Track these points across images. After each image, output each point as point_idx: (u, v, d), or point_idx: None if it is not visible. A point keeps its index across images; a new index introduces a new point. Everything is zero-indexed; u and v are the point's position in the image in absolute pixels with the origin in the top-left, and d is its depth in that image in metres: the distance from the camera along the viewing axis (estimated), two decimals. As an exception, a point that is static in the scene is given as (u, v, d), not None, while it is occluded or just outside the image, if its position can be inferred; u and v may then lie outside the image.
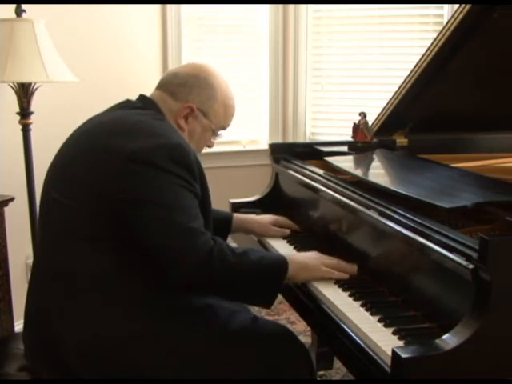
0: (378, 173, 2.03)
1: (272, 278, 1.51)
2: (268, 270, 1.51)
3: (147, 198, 1.41)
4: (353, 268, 1.62)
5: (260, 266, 1.49)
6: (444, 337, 1.17)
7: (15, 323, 2.40)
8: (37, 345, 1.48)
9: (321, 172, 1.99)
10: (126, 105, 1.61)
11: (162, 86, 1.64)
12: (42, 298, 1.49)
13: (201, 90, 1.61)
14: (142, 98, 1.63)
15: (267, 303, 1.53)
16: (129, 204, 1.41)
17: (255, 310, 1.68)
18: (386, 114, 2.20)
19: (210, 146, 1.73)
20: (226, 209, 2.20)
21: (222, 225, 1.89)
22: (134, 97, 1.66)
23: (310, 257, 1.63)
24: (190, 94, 1.60)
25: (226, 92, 1.66)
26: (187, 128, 1.61)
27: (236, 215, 1.98)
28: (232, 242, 1.91)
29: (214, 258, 1.41)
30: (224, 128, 1.71)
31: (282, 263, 1.53)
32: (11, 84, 2.44)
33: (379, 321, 1.36)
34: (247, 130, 3.83)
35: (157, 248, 1.41)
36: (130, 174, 1.41)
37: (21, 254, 2.78)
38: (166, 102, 1.60)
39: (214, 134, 1.69)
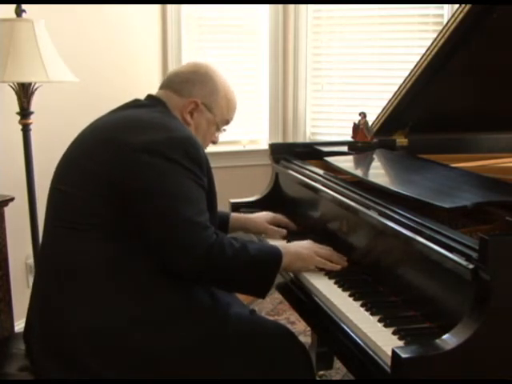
0: (378, 173, 2.03)
1: (267, 271, 1.56)
2: (263, 264, 1.56)
3: (156, 189, 1.45)
4: (343, 259, 1.68)
5: (256, 261, 1.54)
6: (444, 337, 1.17)
7: (15, 323, 2.40)
8: (41, 340, 1.48)
9: (321, 172, 1.99)
10: (135, 104, 1.66)
11: (166, 85, 1.70)
12: (46, 291, 1.50)
13: (203, 85, 1.67)
14: (149, 97, 1.69)
15: (261, 294, 1.58)
16: (138, 192, 1.45)
17: (256, 310, 1.68)
18: (386, 114, 2.20)
19: (214, 142, 1.78)
20: (226, 209, 2.19)
21: (220, 225, 1.89)
22: (134, 96, 1.69)
23: (304, 246, 1.69)
24: (194, 90, 1.66)
25: (227, 86, 1.72)
26: (193, 123, 1.67)
27: (233, 215, 1.99)
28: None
29: (214, 253, 1.46)
30: (228, 122, 1.76)
31: (276, 256, 1.58)
32: (11, 84, 2.44)
33: (379, 321, 1.36)
34: (247, 130, 3.82)
35: (159, 238, 1.46)
36: (142, 165, 1.46)
37: (21, 254, 2.78)
38: (172, 100, 1.66)
39: (218, 128, 1.74)
